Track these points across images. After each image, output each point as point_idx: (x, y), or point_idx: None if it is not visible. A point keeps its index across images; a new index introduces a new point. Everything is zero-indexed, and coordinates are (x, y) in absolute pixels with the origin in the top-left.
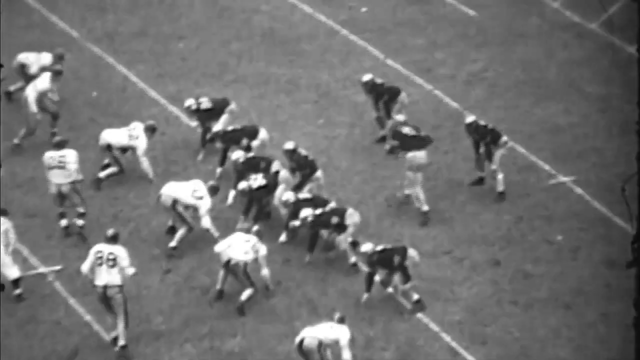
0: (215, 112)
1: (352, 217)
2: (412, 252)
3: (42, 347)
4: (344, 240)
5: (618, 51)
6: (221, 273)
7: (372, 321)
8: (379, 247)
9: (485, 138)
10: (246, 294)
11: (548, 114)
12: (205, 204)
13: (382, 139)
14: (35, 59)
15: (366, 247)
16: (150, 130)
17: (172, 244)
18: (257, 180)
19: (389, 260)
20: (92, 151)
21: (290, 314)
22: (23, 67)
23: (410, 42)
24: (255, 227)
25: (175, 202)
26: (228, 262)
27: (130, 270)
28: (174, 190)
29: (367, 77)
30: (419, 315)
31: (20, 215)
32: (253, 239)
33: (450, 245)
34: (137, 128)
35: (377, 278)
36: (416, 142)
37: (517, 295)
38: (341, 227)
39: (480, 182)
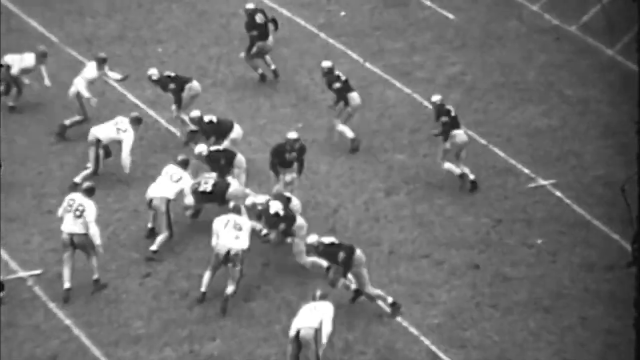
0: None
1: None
2: (359, 253)
3: (21, 351)
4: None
5: (597, 54)
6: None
7: (351, 325)
8: (327, 240)
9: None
10: (230, 289)
11: (527, 117)
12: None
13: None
14: (17, 60)
15: (312, 238)
16: (136, 122)
17: (153, 247)
18: (207, 184)
19: (333, 255)
20: (70, 155)
21: (269, 318)
22: (8, 69)
23: (389, 45)
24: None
25: (167, 201)
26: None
27: (94, 229)
28: (161, 190)
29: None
30: (398, 318)
31: None
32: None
33: (429, 248)
34: (124, 121)
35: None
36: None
37: (496, 299)
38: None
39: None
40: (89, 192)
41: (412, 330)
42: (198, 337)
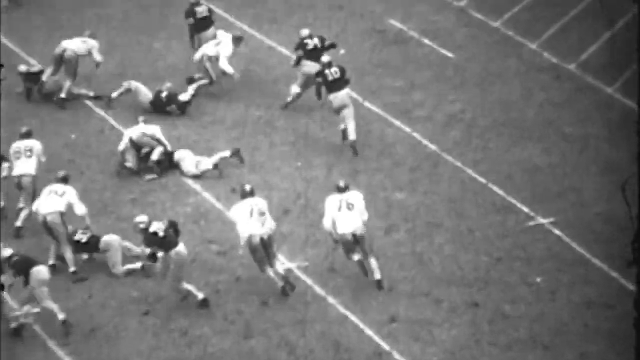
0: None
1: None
2: (181, 248)
3: None
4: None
5: (596, 92)
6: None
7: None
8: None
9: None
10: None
11: (526, 155)
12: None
13: None
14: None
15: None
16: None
17: (72, 269)
18: (84, 234)
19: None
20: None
21: (268, 356)
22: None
23: (388, 83)
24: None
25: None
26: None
27: (81, 210)
28: (51, 205)
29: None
30: (397, 356)
31: None
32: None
33: (429, 286)
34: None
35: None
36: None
37: (496, 336)
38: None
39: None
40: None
41: None
42: None
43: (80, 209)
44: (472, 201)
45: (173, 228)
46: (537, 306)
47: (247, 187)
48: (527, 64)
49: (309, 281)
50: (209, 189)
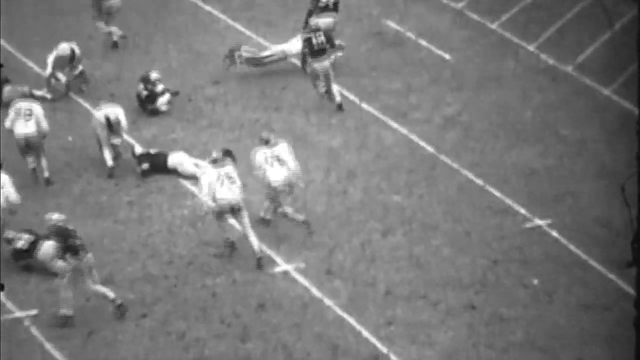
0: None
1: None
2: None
3: None
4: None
5: (593, 94)
6: None
7: None
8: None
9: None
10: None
11: (523, 158)
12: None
13: None
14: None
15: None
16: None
17: None
18: (22, 241)
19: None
20: (66, 197)
21: (266, 359)
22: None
23: (385, 86)
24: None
25: None
26: None
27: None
28: None
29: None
30: (395, 359)
31: None
32: None
33: (426, 289)
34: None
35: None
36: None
37: (493, 339)
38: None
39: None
40: (31, 96)
41: None
42: None
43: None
44: (469, 204)
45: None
46: (534, 309)
47: (215, 154)
48: (524, 66)
49: (306, 283)
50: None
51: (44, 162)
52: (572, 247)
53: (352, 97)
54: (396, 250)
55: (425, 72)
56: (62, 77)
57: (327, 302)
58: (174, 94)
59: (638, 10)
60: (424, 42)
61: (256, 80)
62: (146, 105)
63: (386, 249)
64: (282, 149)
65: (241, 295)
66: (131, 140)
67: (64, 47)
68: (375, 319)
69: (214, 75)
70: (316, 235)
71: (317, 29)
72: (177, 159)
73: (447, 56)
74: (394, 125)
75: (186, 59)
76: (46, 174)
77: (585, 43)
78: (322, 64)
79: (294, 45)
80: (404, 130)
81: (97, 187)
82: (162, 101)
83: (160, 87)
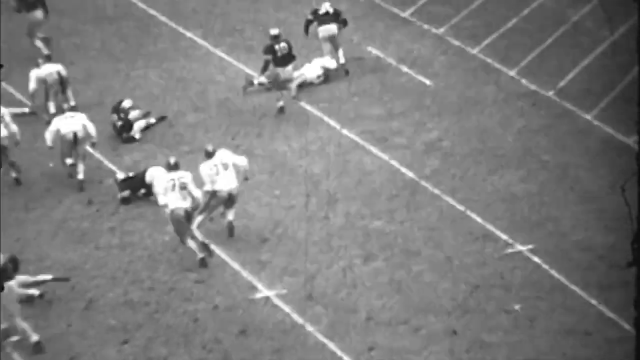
0: None
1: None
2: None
3: None
4: None
5: (574, 119)
6: None
7: None
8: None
9: None
10: None
11: (505, 183)
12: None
13: None
14: None
15: None
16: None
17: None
18: None
19: None
20: (47, 224)
21: None
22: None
23: (366, 111)
24: None
25: None
26: None
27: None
28: None
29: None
30: None
31: None
32: None
33: (407, 314)
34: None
35: None
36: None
37: None
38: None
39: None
40: None
41: None
42: None
43: None
44: (450, 229)
45: (13, 263)
46: (516, 334)
47: (172, 160)
48: (505, 92)
49: (287, 309)
50: None
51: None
52: (553, 272)
53: (332, 122)
54: (377, 276)
55: (406, 97)
56: (52, 106)
57: (309, 327)
58: (161, 118)
59: (638, 12)
60: (404, 68)
61: (237, 106)
62: (122, 134)
63: (367, 275)
64: (224, 153)
65: (223, 320)
66: (112, 167)
67: (48, 67)
68: (356, 345)
69: (195, 102)
70: (297, 261)
71: (277, 36)
72: (154, 172)
73: (428, 82)
74: (375, 150)
75: (167, 85)
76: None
77: (566, 68)
78: (285, 71)
79: (310, 69)
80: (385, 156)
81: (79, 213)
82: (137, 129)
83: (135, 113)
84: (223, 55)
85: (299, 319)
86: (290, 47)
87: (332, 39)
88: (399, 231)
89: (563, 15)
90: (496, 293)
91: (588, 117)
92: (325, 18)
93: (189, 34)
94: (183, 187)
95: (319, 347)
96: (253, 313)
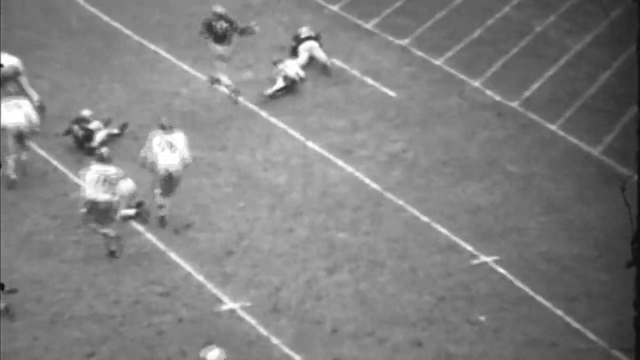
0: None
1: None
2: None
3: None
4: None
5: (539, 129)
6: None
7: None
8: None
9: None
10: None
11: (469, 194)
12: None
13: None
14: None
15: None
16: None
17: None
18: None
19: None
20: (12, 237)
21: None
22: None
23: (331, 123)
24: None
25: None
26: None
27: None
28: None
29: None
30: None
31: None
32: None
33: (372, 326)
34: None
35: None
36: None
37: None
38: None
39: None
40: None
41: None
42: None
43: None
44: (415, 240)
45: None
46: (481, 345)
47: (104, 152)
48: (469, 103)
49: (252, 322)
50: (151, 229)
51: None
52: (518, 283)
53: (297, 135)
54: (342, 288)
55: (371, 109)
56: None
57: (274, 340)
58: (123, 126)
59: (637, 10)
60: (369, 80)
61: (201, 119)
62: (84, 144)
63: (332, 287)
64: (178, 137)
65: (188, 333)
66: (77, 180)
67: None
68: (321, 357)
69: (159, 114)
70: (262, 273)
71: (221, 15)
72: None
73: (391, 93)
74: (339, 162)
75: (132, 97)
76: None
77: (530, 78)
78: (224, 48)
79: (291, 66)
80: (349, 168)
81: (44, 226)
82: (98, 139)
83: (95, 124)
84: (187, 68)
85: (264, 332)
86: (231, 29)
87: (312, 52)
88: (363, 243)
89: (527, 26)
90: (461, 304)
91: (553, 127)
92: (307, 39)
93: (153, 47)
94: (109, 181)
95: (285, 359)
96: (218, 326)
